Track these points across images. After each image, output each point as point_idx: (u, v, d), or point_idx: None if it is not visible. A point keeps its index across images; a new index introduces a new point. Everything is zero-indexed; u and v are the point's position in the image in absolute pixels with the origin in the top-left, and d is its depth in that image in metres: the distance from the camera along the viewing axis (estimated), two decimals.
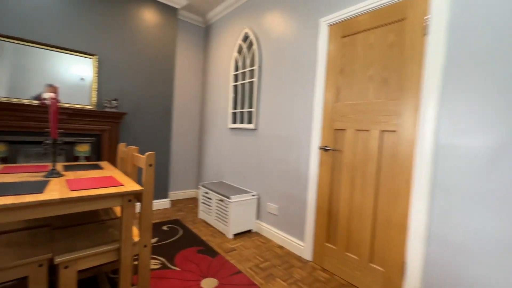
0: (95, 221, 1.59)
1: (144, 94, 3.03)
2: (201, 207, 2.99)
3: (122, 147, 1.97)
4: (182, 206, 3.43)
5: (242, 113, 2.95)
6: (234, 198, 2.48)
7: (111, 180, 1.37)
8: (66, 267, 1.14)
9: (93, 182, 1.32)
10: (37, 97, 2.34)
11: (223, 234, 2.56)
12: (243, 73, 2.94)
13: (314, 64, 2.14)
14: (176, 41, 3.53)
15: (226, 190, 2.69)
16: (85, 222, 1.58)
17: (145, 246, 1.39)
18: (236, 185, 2.98)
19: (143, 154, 3.07)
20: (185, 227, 2.66)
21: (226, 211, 2.53)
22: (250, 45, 2.85)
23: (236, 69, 3.06)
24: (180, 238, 2.39)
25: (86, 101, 2.61)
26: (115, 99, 2.70)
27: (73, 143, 2.54)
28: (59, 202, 1.04)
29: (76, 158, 2.56)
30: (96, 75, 2.65)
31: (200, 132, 3.87)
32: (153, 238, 2.36)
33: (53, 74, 2.42)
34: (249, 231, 2.67)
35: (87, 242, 1.28)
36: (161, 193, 3.27)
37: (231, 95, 3.08)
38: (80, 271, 1.58)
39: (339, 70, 1.94)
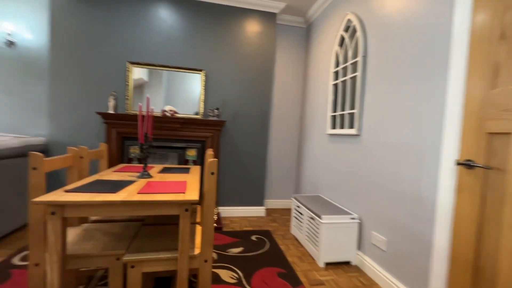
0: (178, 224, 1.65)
1: (244, 102, 3.13)
2: (293, 221, 2.71)
3: (209, 151, 2.02)
4: (277, 216, 3.27)
5: (342, 116, 2.47)
6: (327, 219, 2.05)
7: (181, 186, 1.36)
8: (132, 267, 1.18)
9: (165, 186, 1.35)
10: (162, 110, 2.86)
11: (313, 260, 2.17)
12: (344, 68, 2.46)
13: (446, 40, 1.42)
14: (275, 47, 3.48)
15: (319, 207, 2.29)
16: (172, 222, 1.68)
17: (206, 261, 1.28)
18: (333, 202, 2.50)
19: (240, 159, 3.16)
20: (273, 242, 2.47)
21: (317, 232, 2.13)
22: (353, 33, 2.34)
23: (337, 64, 2.61)
24: (264, 253, 2.21)
25: (195, 111, 2.97)
26: (217, 108, 2.92)
27: (184, 148, 2.94)
28: (120, 204, 1.09)
29: (186, 161, 2.94)
30: (203, 87, 2.97)
31: (299, 138, 3.62)
32: (239, 247, 2.31)
33: (173, 89, 2.90)
34: (346, 263, 2.13)
35: (160, 245, 1.31)
36: (257, 200, 3.24)
37: (330, 96, 2.65)
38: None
39: (498, 36, 1.17)
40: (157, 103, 2.85)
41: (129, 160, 2.80)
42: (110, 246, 1.27)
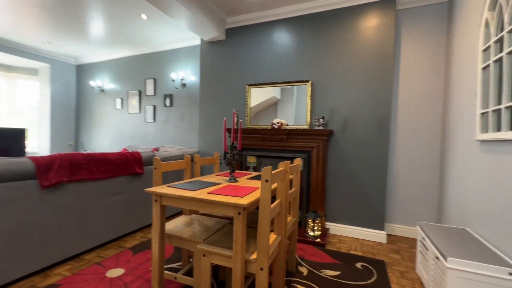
0: None
1: (354, 108, 2.80)
2: (418, 257, 2.05)
3: (297, 161, 1.99)
4: (404, 247, 2.58)
5: (498, 113, 1.63)
6: (457, 263, 1.40)
7: (247, 191, 1.46)
8: (204, 255, 1.40)
9: (235, 190, 1.50)
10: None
11: None
12: (499, 40, 1.63)
13: None
14: (395, 39, 2.87)
15: (452, 243, 1.60)
16: (254, 226, 1.80)
17: (262, 269, 1.28)
18: (485, 242, 1.65)
19: (352, 172, 2.82)
20: (383, 276, 1.98)
21: (441, 280, 1.50)
22: None
23: (487, 38, 1.78)
24: (364, 287, 1.83)
25: (303, 121, 3.01)
26: (323, 117, 2.80)
27: (292, 158, 3.02)
28: (190, 199, 1.34)
29: None
30: (309, 97, 2.96)
31: (441, 148, 2.71)
32: (336, 270, 2.05)
33: (285, 103, 3.11)
34: None
35: (230, 242, 1.46)
36: (374, 222, 2.72)
37: (479, 85, 1.83)
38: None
39: None
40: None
41: (246, 168, 3.26)
42: (197, 235, 1.57)
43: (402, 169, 2.87)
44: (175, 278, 1.63)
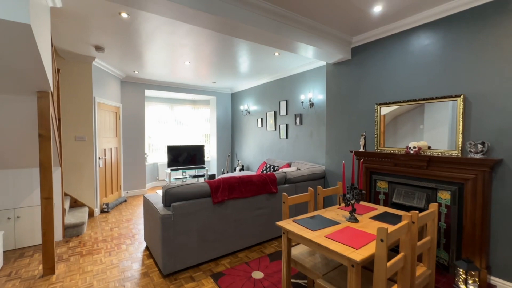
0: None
1: None
2: None
3: (432, 206, 1.75)
4: None
5: None
6: None
7: (363, 239, 1.51)
8: None
9: (354, 235, 1.58)
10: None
11: None
12: None
13: None
14: None
15: None
16: None
17: None
18: None
19: None
20: None
21: None
22: None
23: None
24: None
25: (451, 145, 2.48)
26: (482, 142, 2.19)
27: (435, 189, 2.56)
28: (308, 240, 1.57)
29: (439, 205, 2.53)
30: (461, 116, 2.39)
31: None
32: None
33: (430, 121, 2.70)
34: None
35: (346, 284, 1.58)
36: None
37: None
38: None
39: None
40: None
41: (376, 194, 3.07)
42: (317, 267, 1.79)
43: None
44: None
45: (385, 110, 3.03)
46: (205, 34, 3.18)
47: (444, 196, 2.49)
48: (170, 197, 2.46)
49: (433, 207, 1.74)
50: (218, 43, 3.52)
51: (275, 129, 5.51)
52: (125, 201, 5.25)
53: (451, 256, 2.44)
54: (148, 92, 6.33)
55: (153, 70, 5.02)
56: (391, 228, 1.35)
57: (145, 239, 3.07)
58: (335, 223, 1.82)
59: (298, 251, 2.01)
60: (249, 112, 6.43)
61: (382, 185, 3.02)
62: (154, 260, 2.75)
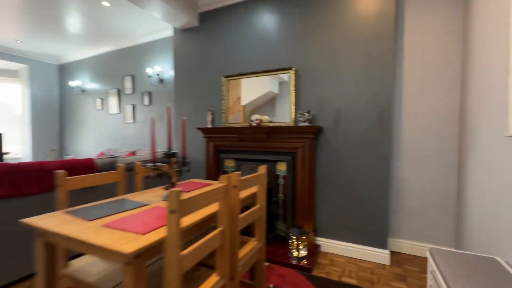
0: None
1: (348, 100, 2.28)
2: None
3: (261, 168, 1.51)
4: (410, 270, 2.05)
5: None
6: None
7: (160, 221, 1.01)
8: None
9: (147, 218, 1.05)
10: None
11: None
12: None
13: None
14: (396, 12, 2.31)
15: (473, 282, 1.08)
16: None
17: None
18: None
19: (347, 177, 2.30)
20: None
21: None
22: None
23: None
24: None
25: (287, 117, 2.51)
26: (308, 111, 2.30)
27: (275, 162, 2.54)
28: (68, 239, 0.90)
29: (277, 177, 2.52)
30: (293, 88, 2.46)
31: (458, 147, 2.15)
32: None
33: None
34: None
35: None
36: (375, 238, 2.20)
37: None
38: None
39: None
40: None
41: (224, 173, 2.80)
42: (107, 278, 1.13)
43: (409, 173, 2.33)
44: None
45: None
46: None
47: (282, 167, 2.50)
48: None
49: (262, 169, 1.51)
50: None
51: (119, 112, 4.39)
52: None
53: (287, 226, 2.47)
54: None
55: None
56: (195, 194, 0.91)
57: None
58: (141, 205, 1.24)
59: (83, 262, 1.27)
60: (84, 91, 4.87)
61: (229, 164, 2.77)
62: None
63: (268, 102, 2.63)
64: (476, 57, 1.81)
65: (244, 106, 2.76)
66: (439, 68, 2.20)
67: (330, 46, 2.34)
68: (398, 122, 2.36)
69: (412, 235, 2.34)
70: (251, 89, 2.71)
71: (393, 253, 2.36)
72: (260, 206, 1.48)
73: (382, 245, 2.18)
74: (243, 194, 1.48)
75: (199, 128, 2.81)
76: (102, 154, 4.13)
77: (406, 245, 2.35)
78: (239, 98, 2.77)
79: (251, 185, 1.34)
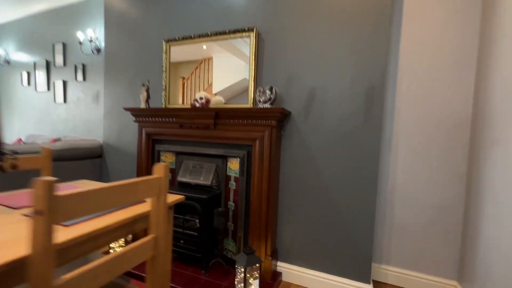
0: None
1: (326, 76, 1.64)
2: None
3: (158, 166, 0.82)
4: None
5: None
6: None
7: None
8: None
9: None
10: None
11: None
12: None
13: None
14: None
15: None
16: None
17: None
18: None
19: (320, 181, 1.67)
20: None
21: None
22: None
23: None
24: None
25: (245, 99, 1.83)
26: (270, 88, 1.63)
27: (226, 158, 1.86)
28: None
29: (228, 178, 1.85)
30: (254, 57, 1.78)
31: (470, 146, 1.59)
32: None
33: (215, 68, 1.92)
34: None
35: None
36: (354, 267, 1.59)
37: None
38: None
39: None
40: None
41: None
42: None
43: (403, 178, 1.74)
44: None
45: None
46: None
47: (234, 165, 1.82)
48: None
49: (158, 170, 0.81)
50: None
51: (49, 89, 3.50)
52: None
53: (238, 246, 1.80)
54: None
55: None
56: None
57: None
58: None
59: None
60: (9, 62, 3.91)
61: (168, 159, 2.06)
62: None
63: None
64: (499, 36, 1.22)
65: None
66: (449, 41, 1.62)
67: (306, 1, 1.69)
68: (391, 108, 1.76)
69: (401, 261, 1.76)
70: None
71: (376, 283, 1.77)
72: (154, 238, 0.79)
73: (364, 276, 1.58)
74: (110, 220, 0.79)
75: (126, 109, 2.06)
76: (19, 140, 3.24)
77: (394, 274, 1.77)
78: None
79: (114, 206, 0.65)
